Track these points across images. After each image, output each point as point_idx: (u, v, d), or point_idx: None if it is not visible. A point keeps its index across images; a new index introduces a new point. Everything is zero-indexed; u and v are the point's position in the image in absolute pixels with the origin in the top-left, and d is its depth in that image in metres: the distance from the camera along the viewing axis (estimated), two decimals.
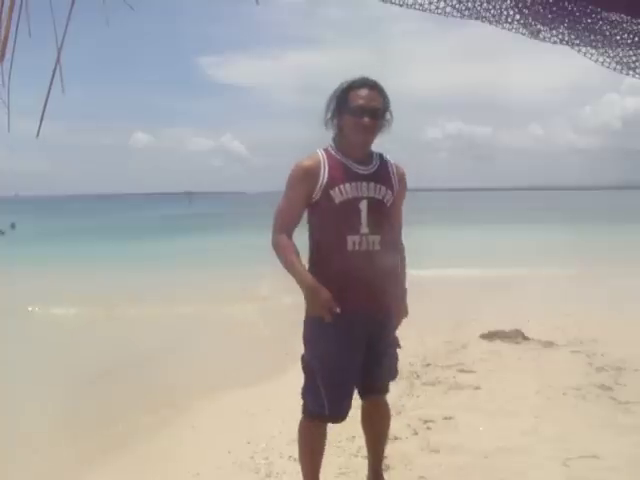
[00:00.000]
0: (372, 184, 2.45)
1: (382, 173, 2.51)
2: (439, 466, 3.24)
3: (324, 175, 2.41)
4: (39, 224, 32.52)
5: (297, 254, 2.48)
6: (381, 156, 2.57)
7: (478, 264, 12.87)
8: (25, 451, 3.96)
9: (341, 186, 2.41)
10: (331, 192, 2.40)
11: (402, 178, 2.58)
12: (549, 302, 8.66)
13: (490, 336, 6.29)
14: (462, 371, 5.12)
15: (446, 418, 3.93)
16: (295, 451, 3.49)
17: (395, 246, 2.59)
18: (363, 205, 2.41)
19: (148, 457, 3.77)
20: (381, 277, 2.47)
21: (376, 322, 2.52)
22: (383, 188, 2.47)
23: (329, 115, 2.50)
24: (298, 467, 3.30)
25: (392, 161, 2.59)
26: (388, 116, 2.52)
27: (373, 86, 2.45)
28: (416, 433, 3.72)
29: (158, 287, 11.16)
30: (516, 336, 6.22)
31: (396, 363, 2.70)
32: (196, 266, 14.13)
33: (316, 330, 2.49)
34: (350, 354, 2.46)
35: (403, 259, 2.66)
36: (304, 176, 2.43)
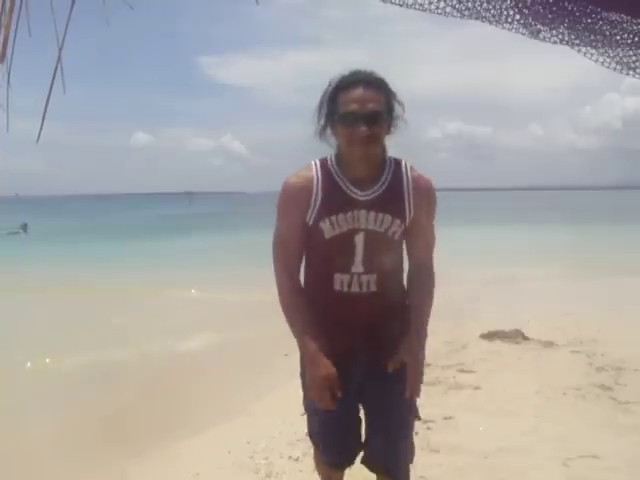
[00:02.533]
0: (372, 213, 1.92)
1: (389, 196, 1.94)
2: (439, 466, 3.24)
3: (316, 200, 1.93)
4: (45, 224, 32.57)
5: (302, 307, 1.96)
6: (396, 168, 1.98)
7: (478, 264, 12.88)
8: (36, 454, 3.98)
9: (333, 217, 1.91)
10: (321, 224, 1.93)
11: (424, 193, 1.98)
12: (549, 302, 8.66)
13: (490, 336, 6.29)
14: (462, 371, 5.11)
15: (446, 418, 3.93)
16: (295, 451, 3.52)
17: (398, 284, 2.07)
18: (359, 238, 1.93)
19: (149, 458, 3.76)
20: (377, 321, 2.00)
21: (371, 372, 2.02)
22: (388, 217, 1.93)
23: (321, 123, 1.97)
24: (298, 467, 3.32)
25: (412, 172, 1.99)
26: (397, 112, 1.94)
27: (369, 82, 1.89)
28: (416, 433, 3.70)
29: (160, 287, 11.17)
30: (516, 336, 6.22)
31: (407, 441, 2.11)
32: (196, 266, 14.15)
33: (304, 374, 2.03)
34: (339, 402, 1.94)
35: (423, 290, 2.05)
36: (294, 198, 1.95)
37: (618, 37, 2.01)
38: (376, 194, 1.93)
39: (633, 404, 4.13)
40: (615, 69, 2.11)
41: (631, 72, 2.11)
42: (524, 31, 1.96)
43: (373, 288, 1.97)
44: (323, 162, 2.00)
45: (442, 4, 1.81)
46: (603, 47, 2.05)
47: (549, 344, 5.99)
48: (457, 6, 1.84)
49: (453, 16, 1.87)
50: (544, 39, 2.01)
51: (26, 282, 11.76)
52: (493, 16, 1.89)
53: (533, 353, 5.71)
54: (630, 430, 3.66)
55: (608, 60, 2.09)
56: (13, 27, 1.08)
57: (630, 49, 2.05)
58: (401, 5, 1.78)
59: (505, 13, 1.90)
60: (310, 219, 1.93)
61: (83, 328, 7.78)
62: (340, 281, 1.96)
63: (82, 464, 3.69)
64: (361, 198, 1.92)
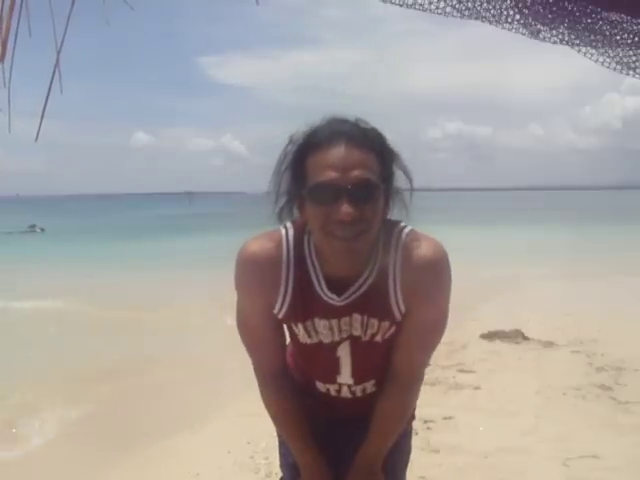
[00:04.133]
0: (357, 316, 1.39)
1: (373, 293, 1.37)
2: (439, 466, 3.24)
3: (285, 293, 1.39)
4: (47, 224, 32.70)
5: (291, 410, 1.51)
6: (385, 249, 1.36)
7: (478, 264, 12.88)
8: (36, 454, 3.98)
9: (308, 322, 1.42)
10: (294, 328, 1.45)
11: (419, 275, 1.34)
12: (549, 302, 8.66)
13: (490, 336, 6.30)
14: (462, 371, 5.12)
15: (446, 418, 3.93)
16: None
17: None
18: (343, 350, 1.45)
19: (149, 458, 3.77)
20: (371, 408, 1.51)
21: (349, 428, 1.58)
22: (374, 322, 1.40)
23: (281, 202, 1.36)
24: None
25: (405, 246, 1.36)
26: (399, 181, 1.34)
27: (353, 136, 1.28)
28: (416, 433, 3.70)
29: (162, 287, 11.18)
30: (516, 336, 6.23)
31: None
32: (197, 266, 14.15)
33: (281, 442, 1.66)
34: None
35: (387, 407, 1.48)
36: (255, 278, 1.40)
37: (618, 37, 2.01)
38: (356, 295, 1.37)
39: (633, 404, 4.13)
40: (615, 69, 2.10)
41: (631, 72, 2.11)
42: (524, 31, 1.96)
43: (371, 390, 1.52)
44: (297, 236, 1.39)
45: (442, 4, 1.81)
46: (603, 47, 2.05)
47: (549, 344, 6.00)
48: (457, 6, 1.84)
49: (453, 16, 1.87)
50: (544, 39, 2.01)
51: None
52: (493, 16, 1.89)
53: (533, 353, 5.71)
54: (630, 430, 3.66)
55: (608, 60, 2.09)
56: (13, 27, 1.08)
57: (630, 49, 2.05)
58: (401, 5, 1.78)
59: (505, 13, 1.90)
60: (278, 314, 1.42)
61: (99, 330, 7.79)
62: (326, 389, 1.53)
63: (82, 464, 3.70)
64: (337, 304, 1.37)
